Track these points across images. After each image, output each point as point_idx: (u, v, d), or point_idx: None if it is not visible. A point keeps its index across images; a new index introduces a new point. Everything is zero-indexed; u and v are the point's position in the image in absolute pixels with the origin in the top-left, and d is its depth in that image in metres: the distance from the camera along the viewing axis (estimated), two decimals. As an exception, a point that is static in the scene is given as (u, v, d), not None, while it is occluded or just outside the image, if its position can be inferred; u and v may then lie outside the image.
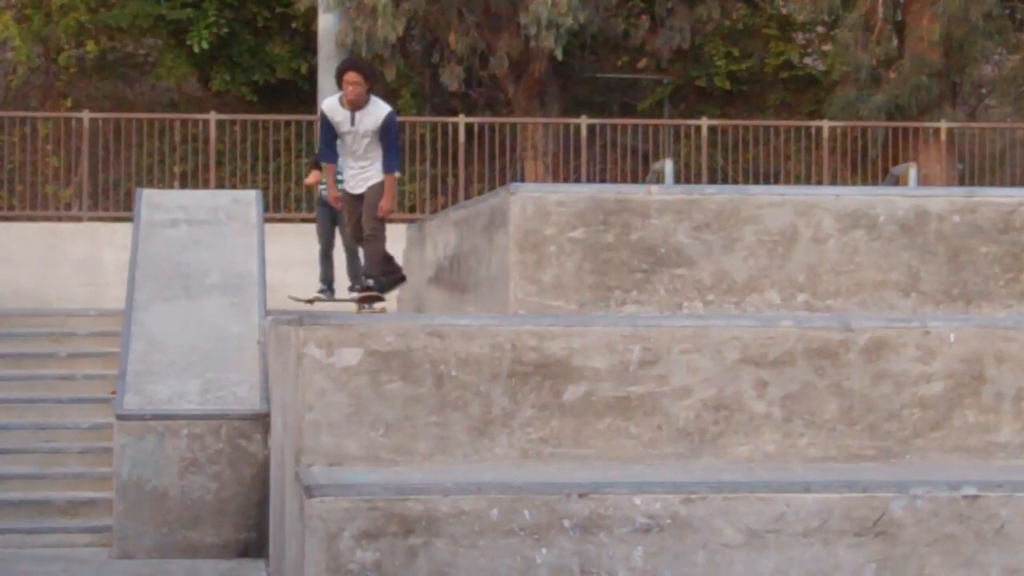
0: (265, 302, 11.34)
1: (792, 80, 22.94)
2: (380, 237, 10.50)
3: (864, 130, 19.48)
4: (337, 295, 13.74)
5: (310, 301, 13.78)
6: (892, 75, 19.78)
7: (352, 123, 10.23)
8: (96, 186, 18.49)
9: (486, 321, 6.30)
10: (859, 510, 5.50)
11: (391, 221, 10.94)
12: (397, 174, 10.69)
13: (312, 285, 13.85)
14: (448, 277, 10.17)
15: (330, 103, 10.42)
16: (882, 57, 19.87)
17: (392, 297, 12.15)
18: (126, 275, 11.94)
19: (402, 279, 11.12)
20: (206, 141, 18.45)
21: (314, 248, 13.95)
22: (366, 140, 10.29)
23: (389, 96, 21.59)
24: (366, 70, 10.61)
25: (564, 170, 19.71)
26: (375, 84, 10.52)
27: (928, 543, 5.52)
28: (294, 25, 21.74)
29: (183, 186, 18.58)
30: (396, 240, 14.40)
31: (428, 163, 19.03)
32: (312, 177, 13.78)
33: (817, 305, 7.54)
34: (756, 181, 19.08)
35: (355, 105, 10.17)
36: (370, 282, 10.63)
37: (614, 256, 7.46)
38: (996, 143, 20.20)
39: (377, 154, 10.38)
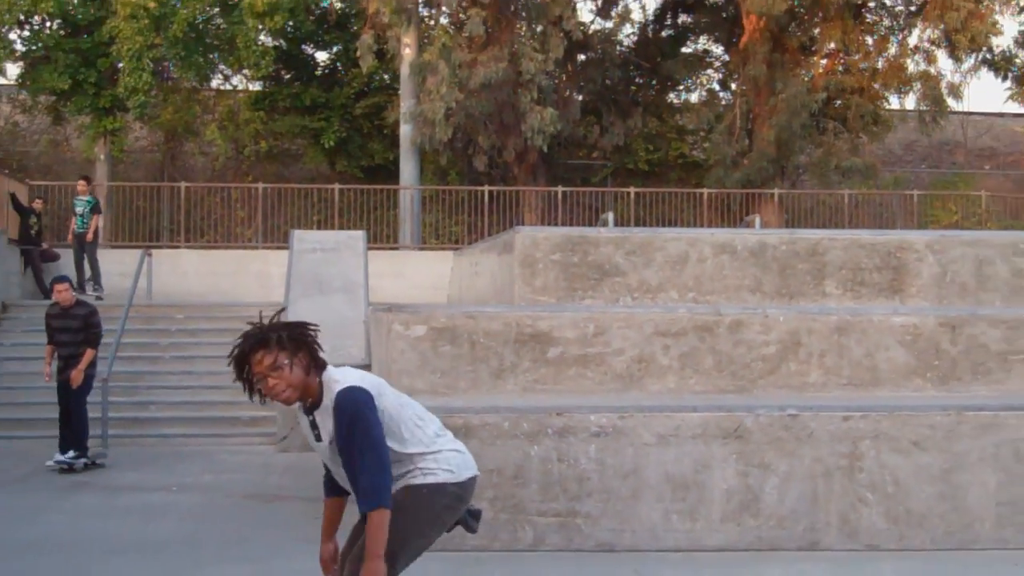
0: (368, 298, 11.33)
1: (685, 165, 22.87)
2: None
3: (728, 195, 19.44)
4: None
5: None
6: (745, 161, 19.75)
7: (316, 434, 3.26)
8: (266, 228, 18.48)
9: (501, 309, 6.30)
10: (725, 423, 5.51)
11: (439, 248, 10.49)
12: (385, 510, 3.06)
13: (393, 293, 13.81)
14: (476, 283, 10.17)
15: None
16: (739, 150, 19.86)
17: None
18: (284, 282, 11.97)
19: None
20: (332, 202, 18.44)
21: (395, 262, 13.82)
22: (344, 456, 3.13)
23: (439, 177, 21.65)
24: (272, 340, 3.27)
25: (548, 219, 19.66)
26: (305, 355, 3.28)
27: (767, 443, 5.52)
28: (385, 131, 21.71)
29: (318, 228, 18.57)
30: (445, 262, 14.39)
31: (465, 214, 19.00)
32: None
33: (701, 300, 7.53)
34: (663, 225, 19.00)
35: (308, 401, 3.27)
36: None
37: (577, 270, 7.45)
38: (807, 203, 20.17)
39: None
